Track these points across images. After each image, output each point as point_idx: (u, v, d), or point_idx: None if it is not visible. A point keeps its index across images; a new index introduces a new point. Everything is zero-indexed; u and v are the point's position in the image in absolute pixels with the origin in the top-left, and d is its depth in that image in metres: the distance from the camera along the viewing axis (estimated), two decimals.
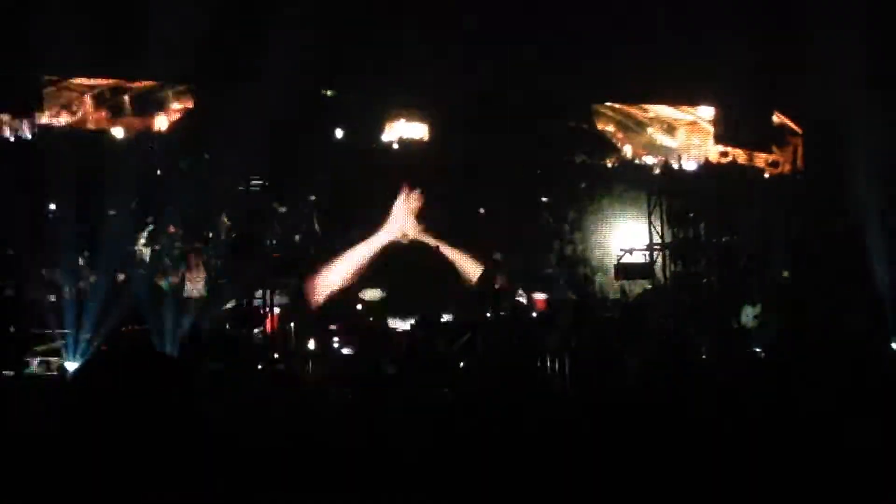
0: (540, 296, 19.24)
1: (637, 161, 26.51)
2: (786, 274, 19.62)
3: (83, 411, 2.64)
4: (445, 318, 17.60)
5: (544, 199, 23.76)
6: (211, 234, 19.54)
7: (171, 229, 19.54)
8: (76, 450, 2.69)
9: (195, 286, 17.66)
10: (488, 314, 16.99)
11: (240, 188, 17.92)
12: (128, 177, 19.24)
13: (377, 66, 20.83)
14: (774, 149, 24.69)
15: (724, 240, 20.63)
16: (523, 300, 18.88)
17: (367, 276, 18.85)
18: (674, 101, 25.19)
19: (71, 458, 2.74)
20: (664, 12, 20.65)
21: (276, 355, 15.97)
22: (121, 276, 17.52)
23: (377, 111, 25.79)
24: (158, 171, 22.17)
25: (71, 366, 14.10)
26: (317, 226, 20.94)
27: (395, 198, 20.45)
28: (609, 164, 25.85)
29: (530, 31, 20.13)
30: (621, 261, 19.55)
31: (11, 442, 3.97)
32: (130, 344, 14.39)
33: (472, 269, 18.76)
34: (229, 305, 16.98)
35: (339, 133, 25.89)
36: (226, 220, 19.74)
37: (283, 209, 20.97)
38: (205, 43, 19.45)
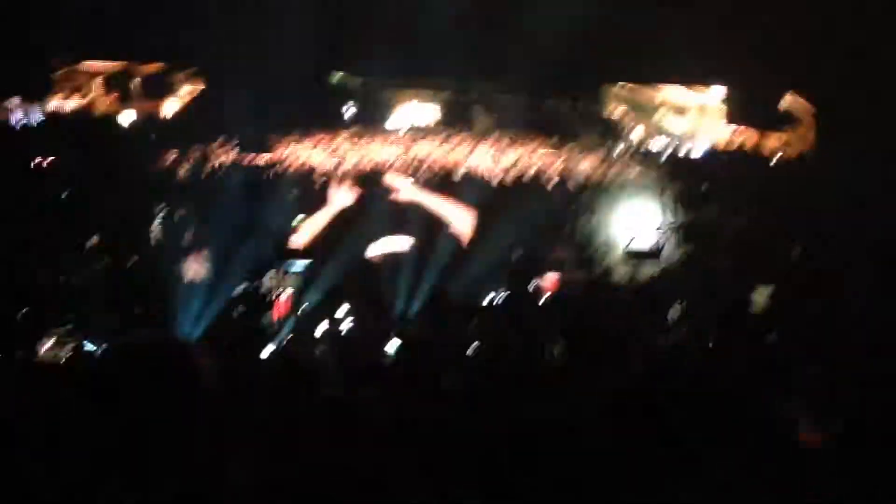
0: (552, 276, 19.31)
1: (648, 143, 26.65)
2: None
3: (100, 403, 2.69)
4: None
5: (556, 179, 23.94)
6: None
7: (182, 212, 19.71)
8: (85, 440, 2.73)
9: (200, 271, 17.77)
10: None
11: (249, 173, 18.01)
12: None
13: (386, 47, 20.90)
14: (787, 129, 24.72)
15: (735, 223, 20.73)
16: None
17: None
18: (685, 80, 25.27)
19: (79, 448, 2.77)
20: None
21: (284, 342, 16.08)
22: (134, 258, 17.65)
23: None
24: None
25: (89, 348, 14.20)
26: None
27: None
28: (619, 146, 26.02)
29: (538, 8, 20.14)
30: (631, 243, 19.68)
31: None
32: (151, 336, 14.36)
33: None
34: (238, 290, 17.07)
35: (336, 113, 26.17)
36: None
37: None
38: (216, 26, 19.59)
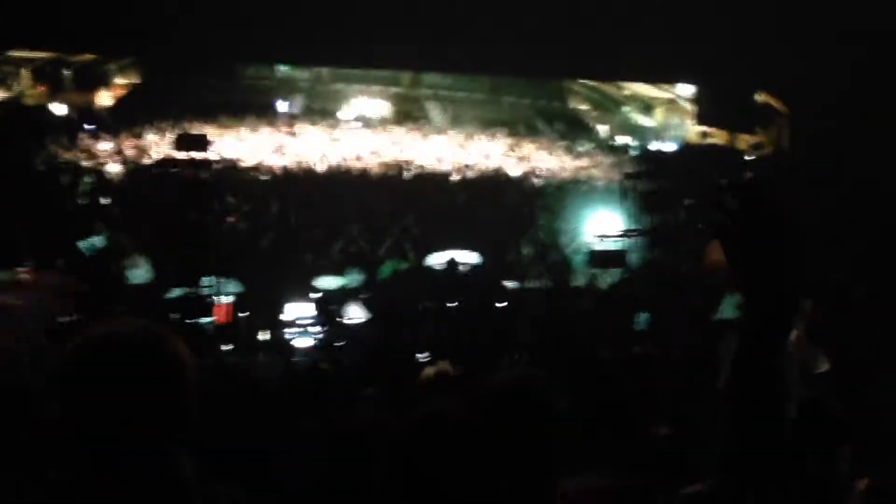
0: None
1: (613, 141, 26.51)
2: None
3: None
4: None
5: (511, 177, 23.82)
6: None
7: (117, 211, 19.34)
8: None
9: (139, 272, 17.43)
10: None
11: (187, 169, 17.58)
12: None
13: (335, 40, 20.55)
14: (758, 130, 24.63)
15: (702, 225, 20.53)
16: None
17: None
18: (652, 78, 25.10)
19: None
20: None
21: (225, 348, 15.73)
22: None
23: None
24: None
25: None
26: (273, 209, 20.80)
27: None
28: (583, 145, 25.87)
29: (501, 3, 19.91)
30: (595, 248, 19.36)
31: None
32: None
33: None
34: (175, 294, 16.69)
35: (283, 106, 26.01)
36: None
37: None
38: (150, 15, 19.19)
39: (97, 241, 18.06)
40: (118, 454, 2.59)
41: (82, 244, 17.74)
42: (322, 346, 15.54)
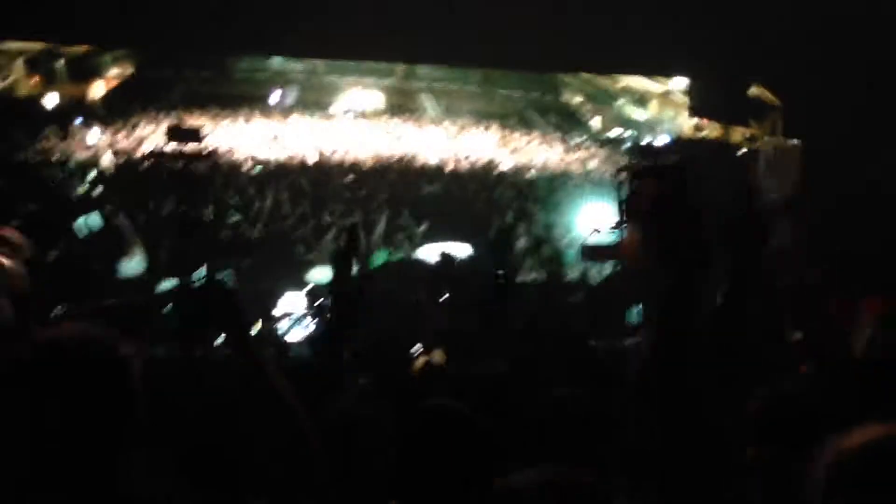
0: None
1: (606, 134, 26.53)
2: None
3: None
4: None
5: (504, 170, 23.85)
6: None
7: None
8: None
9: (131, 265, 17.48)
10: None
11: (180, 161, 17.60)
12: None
13: (329, 31, 20.54)
14: (752, 122, 24.59)
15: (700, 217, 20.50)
16: None
17: None
18: (645, 71, 25.06)
19: None
20: None
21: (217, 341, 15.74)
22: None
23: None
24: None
25: None
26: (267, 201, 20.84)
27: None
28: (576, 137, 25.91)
29: None
30: (588, 241, 19.37)
31: None
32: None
33: None
34: (168, 285, 16.72)
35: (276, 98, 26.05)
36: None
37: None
38: (144, 6, 19.15)
39: (92, 220, 18.10)
40: (62, 463, 2.57)
41: (77, 224, 17.77)
42: (314, 338, 15.59)
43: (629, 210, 2.97)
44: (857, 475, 2.28)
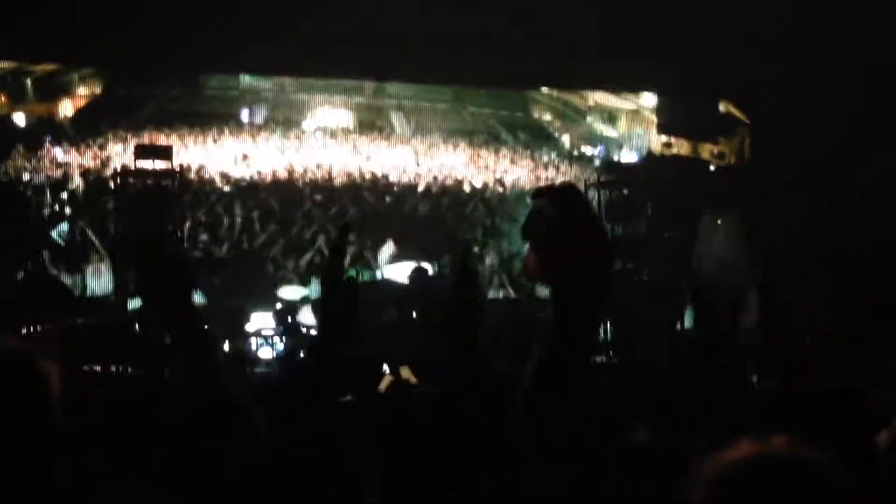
0: None
1: (575, 151, 26.64)
2: None
3: None
4: None
5: (474, 187, 23.91)
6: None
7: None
8: None
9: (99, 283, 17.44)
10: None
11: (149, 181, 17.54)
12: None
13: (298, 49, 20.54)
14: (721, 139, 24.71)
15: (667, 235, 20.59)
16: None
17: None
18: (614, 88, 25.18)
19: None
20: None
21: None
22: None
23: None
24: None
25: None
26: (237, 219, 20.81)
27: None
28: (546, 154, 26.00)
29: (457, 7, 19.87)
30: None
31: None
32: None
33: None
34: (138, 304, 16.67)
35: (246, 116, 26.05)
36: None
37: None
38: (112, 25, 19.13)
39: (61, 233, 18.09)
40: None
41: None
42: (284, 357, 15.58)
43: (527, 229, 3.00)
44: (731, 491, 2.35)
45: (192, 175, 22.02)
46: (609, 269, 2.82)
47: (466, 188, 23.91)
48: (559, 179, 24.47)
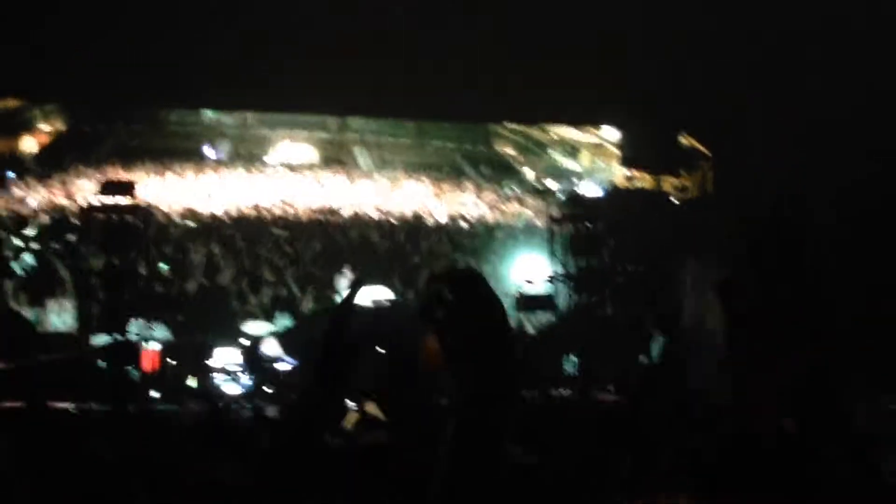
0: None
1: (538, 185, 26.73)
2: None
3: None
4: None
5: (441, 222, 23.97)
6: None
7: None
8: None
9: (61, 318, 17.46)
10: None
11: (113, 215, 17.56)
12: None
13: (261, 85, 20.59)
14: (683, 173, 24.82)
15: (629, 268, 20.72)
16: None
17: None
18: (575, 121, 25.31)
19: None
20: (564, 25, 20.61)
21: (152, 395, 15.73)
22: None
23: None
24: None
25: None
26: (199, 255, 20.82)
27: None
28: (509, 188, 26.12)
29: (419, 43, 19.97)
30: (522, 292, 19.51)
31: None
32: None
33: None
34: (101, 340, 16.67)
35: (210, 152, 26.09)
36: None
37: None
38: (75, 60, 19.15)
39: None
40: None
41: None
42: (250, 392, 15.61)
43: (425, 315, 3.00)
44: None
45: (155, 210, 22.00)
46: (512, 361, 2.89)
47: (429, 222, 23.96)
48: (523, 213, 24.58)
